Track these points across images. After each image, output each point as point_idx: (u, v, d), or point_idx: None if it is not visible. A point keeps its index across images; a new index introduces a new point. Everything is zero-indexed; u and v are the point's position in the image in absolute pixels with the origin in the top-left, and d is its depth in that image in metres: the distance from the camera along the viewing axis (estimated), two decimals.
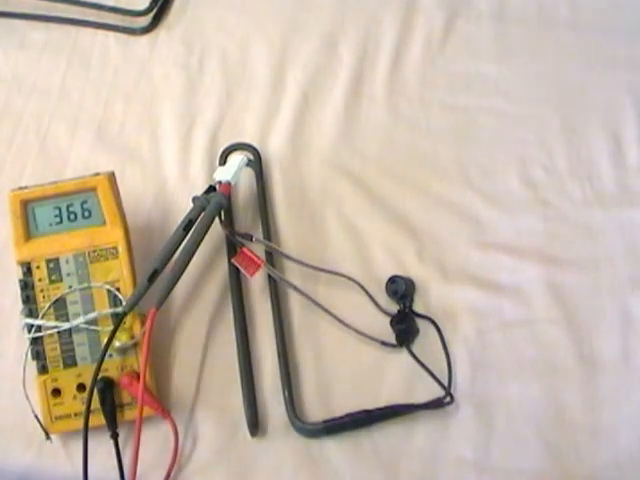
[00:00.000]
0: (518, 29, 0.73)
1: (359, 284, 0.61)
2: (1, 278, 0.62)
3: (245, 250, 0.59)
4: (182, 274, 0.56)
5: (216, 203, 0.59)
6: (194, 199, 0.59)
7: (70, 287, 0.56)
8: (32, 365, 0.55)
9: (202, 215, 0.58)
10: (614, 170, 0.65)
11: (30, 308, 0.56)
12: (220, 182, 0.61)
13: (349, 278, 0.61)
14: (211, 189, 0.60)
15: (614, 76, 0.69)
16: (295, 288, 0.60)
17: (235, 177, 0.62)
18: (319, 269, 0.61)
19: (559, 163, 0.66)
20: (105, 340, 0.54)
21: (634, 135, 0.66)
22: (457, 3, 0.75)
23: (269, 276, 0.61)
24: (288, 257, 0.62)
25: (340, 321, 0.59)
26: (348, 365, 0.58)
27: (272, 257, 0.62)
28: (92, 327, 0.55)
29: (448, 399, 0.56)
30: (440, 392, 0.56)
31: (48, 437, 0.55)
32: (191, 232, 0.57)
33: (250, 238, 0.61)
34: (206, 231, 0.58)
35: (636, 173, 0.64)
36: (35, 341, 0.55)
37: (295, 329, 0.60)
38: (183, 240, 0.57)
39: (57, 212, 0.57)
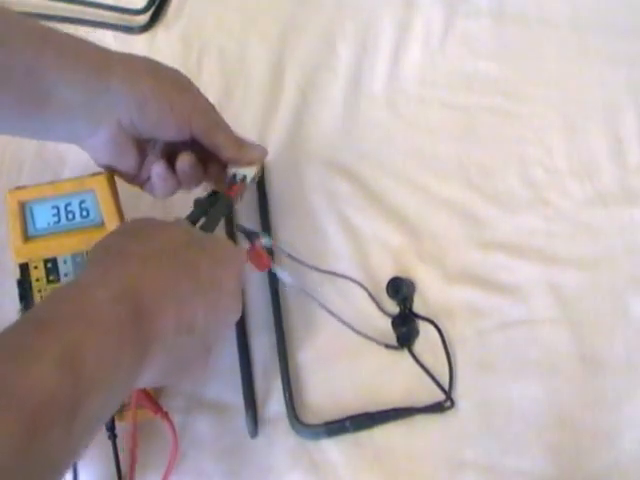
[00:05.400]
0: (518, 27, 0.72)
1: (361, 285, 0.61)
2: None
3: (257, 246, 0.57)
4: None
5: (223, 205, 0.57)
6: (196, 201, 0.59)
7: None
8: None
9: (208, 216, 0.57)
10: (615, 169, 0.64)
11: (28, 308, 0.55)
12: None
13: (350, 279, 0.61)
14: (214, 192, 0.60)
15: (614, 75, 0.68)
16: (295, 288, 0.60)
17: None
18: (319, 269, 0.61)
19: (559, 162, 0.65)
20: None
21: (635, 134, 0.65)
22: (456, 0, 0.75)
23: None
24: (292, 257, 0.61)
25: (342, 322, 0.59)
26: (348, 366, 0.58)
27: (272, 257, 0.62)
28: None
29: (448, 403, 0.56)
30: (441, 393, 0.56)
31: None
32: None
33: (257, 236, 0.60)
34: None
35: (637, 172, 0.64)
36: None
37: (295, 329, 0.60)
38: None
39: (55, 212, 0.56)
